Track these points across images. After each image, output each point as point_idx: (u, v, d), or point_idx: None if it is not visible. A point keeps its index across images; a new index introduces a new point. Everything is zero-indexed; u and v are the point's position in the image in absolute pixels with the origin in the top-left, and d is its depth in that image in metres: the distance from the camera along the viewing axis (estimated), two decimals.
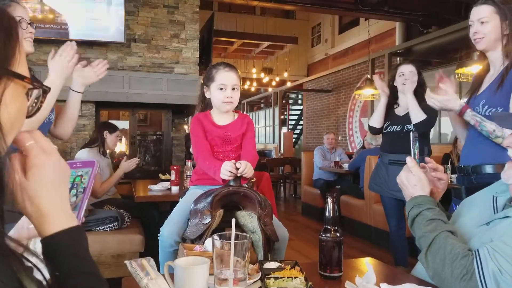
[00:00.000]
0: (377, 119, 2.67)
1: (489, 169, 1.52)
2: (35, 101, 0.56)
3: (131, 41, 4.36)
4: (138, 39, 4.41)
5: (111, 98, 3.95)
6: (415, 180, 1.10)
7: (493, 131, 1.49)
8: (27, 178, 0.53)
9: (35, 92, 0.56)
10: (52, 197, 0.54)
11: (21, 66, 0.53)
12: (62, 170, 0.56)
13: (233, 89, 1.75)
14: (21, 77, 0.52)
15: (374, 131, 2.74)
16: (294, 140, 12.50)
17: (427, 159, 1.16)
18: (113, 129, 3.20)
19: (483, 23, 1.54)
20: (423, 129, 2.50)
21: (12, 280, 0.43)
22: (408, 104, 2.50)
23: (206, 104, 1.87)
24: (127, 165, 3.11)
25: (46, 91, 0.57)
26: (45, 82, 1.57)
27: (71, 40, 1.66)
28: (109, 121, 4.27)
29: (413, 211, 1.06)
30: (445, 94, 1.63)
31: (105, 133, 3.14)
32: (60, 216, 0.54)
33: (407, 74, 2.57)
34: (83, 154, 2.95)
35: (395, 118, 2.66)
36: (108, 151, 3.25)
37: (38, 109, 0.57)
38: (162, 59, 4.49)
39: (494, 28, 1.52)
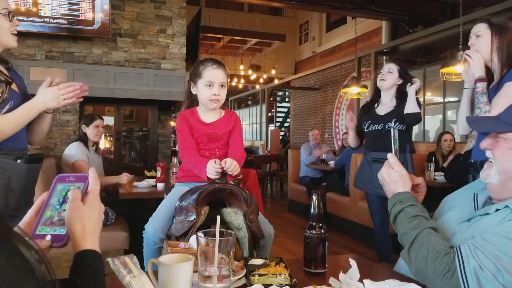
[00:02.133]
0: (352, 141, 2.94)
1: None
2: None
3: (116, 36, 4.30)
4: (124, 34, 4.34)
5: (96, 93, 3.88)
6: (396, 176, 1.10)
7: (482, 103, 1.77)
8: (84, 204, 0.71)
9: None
10: (94, 224, 0.70)
11: None
12: (101, 214, 0.74)
13: (221, 86, 1.74)
14: None
15: (353, 148, 3.06)
16: (281, 137, 12.52)
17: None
18: (89, 120, 3.05)
19: (478, 36, 1.89)
20: (412, 120, 2.59)
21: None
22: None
23: (192, 100, 1.85)
24: (119, 178, 2.96)
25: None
26: (28, 102, 1.40)
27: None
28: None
29: (396, 207, 1.06)
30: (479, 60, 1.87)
31: (83, 127, 3.04)
32: (94, 239, 0.70)
33: (384, 71, 2.73)
34: (71, 149, 2.89)
35: (376, 117, 2.71)
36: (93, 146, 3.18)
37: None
38: (148, 55, 4.44)
39: (486, 41, 1.86)
